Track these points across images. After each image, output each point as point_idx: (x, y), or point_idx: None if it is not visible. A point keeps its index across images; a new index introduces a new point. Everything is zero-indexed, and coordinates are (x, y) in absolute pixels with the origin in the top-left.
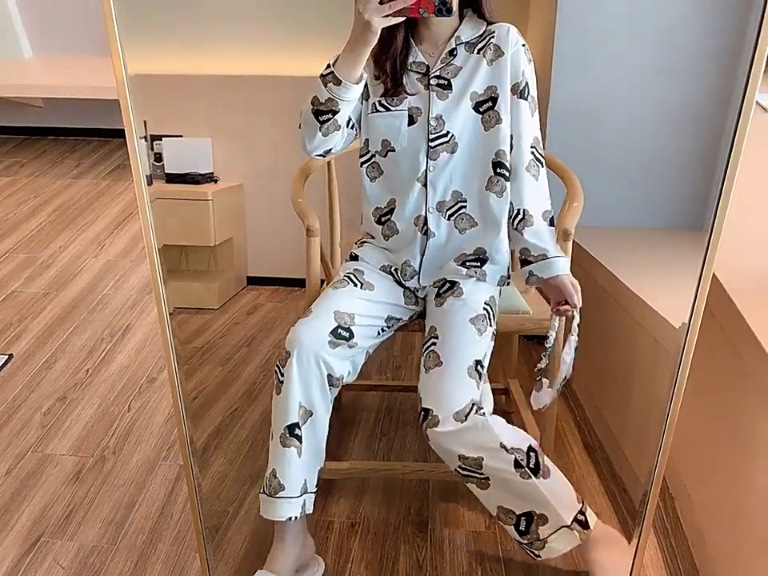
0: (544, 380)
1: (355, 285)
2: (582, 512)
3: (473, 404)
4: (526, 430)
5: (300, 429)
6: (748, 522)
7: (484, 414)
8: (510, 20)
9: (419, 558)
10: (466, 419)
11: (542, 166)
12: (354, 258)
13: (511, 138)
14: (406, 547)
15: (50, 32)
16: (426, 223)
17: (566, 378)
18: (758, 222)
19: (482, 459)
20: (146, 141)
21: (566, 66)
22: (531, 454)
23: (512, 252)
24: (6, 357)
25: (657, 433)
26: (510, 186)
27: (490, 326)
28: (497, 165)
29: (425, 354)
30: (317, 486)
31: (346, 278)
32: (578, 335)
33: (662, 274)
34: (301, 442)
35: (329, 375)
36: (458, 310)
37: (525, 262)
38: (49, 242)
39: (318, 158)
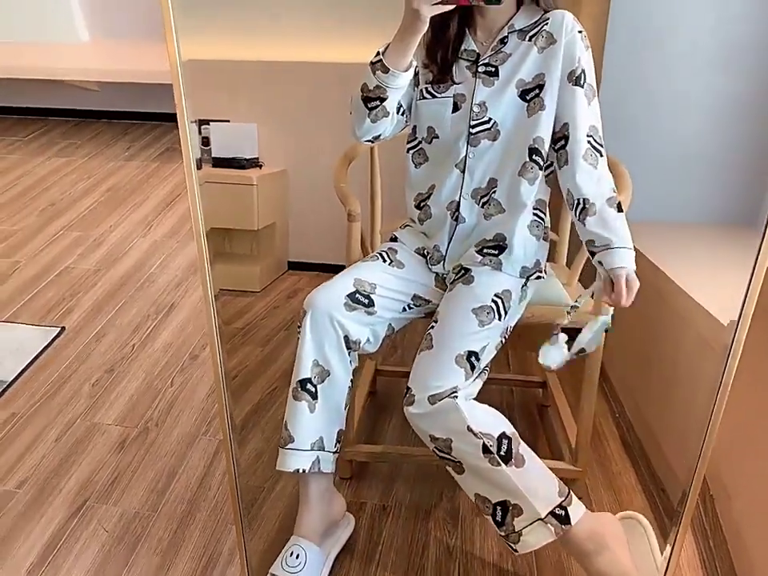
0: (561, 335)
1: (384, 261)
2: (562, 506)
3: (453, 391)
4: (562, 424)
5: (314, 386)
6: None
7: (456, 396)
8: (563, 8)
9: (449, 544)
10: (438, 402)
11: (601, 156)
12: (394, 239)
13: (566, 127)
14: (436, 533)
15: (106, 16)
16: (458, 209)
17: (584, 351)
18: None
19: (451, 441)
20: (195, 125)
21: (618, 57)
22: (503, 441)
23: (551, 242)
24: (59, 329)
25: (699, 432)
26: (564, 174)
27: (498, 319)
28: (533, 151)
29: (424, 336)
30: (337, 447)
31: (377, 254)
32: (610, 323)
33: (711, 270)
34: (315, 399)
35: (345, 337)
36: (464, 297)
37: (592, 254)
38: (101, 220)
39: (368, 143)
